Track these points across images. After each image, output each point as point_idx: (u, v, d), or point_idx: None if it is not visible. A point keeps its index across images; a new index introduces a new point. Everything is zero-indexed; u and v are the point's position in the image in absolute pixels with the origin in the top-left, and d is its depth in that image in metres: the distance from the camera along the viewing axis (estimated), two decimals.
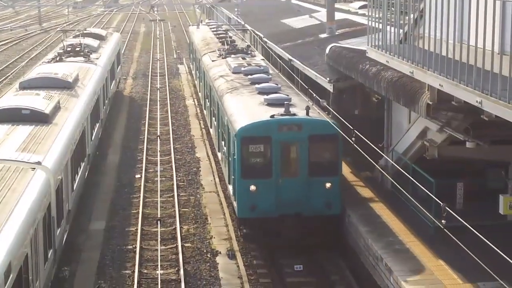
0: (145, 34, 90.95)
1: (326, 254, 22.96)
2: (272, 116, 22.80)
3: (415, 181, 17.09)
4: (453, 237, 13.43)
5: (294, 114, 22.97)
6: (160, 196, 28.87)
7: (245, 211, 22.74)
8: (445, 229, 13.56)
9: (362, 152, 17.76)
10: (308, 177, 22.60)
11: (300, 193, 22.59)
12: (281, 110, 23.14)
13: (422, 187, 15.90)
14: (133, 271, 21.99)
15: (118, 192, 29.73)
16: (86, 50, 40.79)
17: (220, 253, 23.34)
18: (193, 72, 51.76)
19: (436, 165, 22.17)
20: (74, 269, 22.24)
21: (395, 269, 18.93)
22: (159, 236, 24.67)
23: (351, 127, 19.48)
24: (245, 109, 24.51)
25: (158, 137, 37.93)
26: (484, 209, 20.91)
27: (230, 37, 44.29)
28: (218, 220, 26.14)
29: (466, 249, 13.03)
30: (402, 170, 16.92)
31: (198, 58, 43.31)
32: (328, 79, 28.46)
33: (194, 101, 47.78)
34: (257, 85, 26.94)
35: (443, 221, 13.51)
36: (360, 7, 49.36)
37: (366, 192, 25.27)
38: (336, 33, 37.07)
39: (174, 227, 25.56)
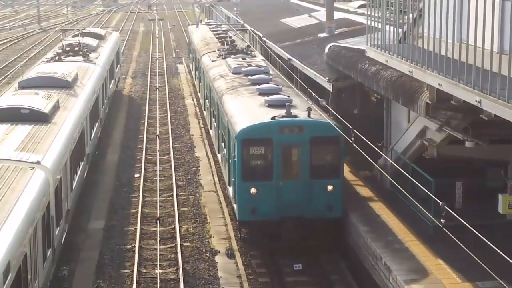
0: (144, 34, 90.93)
1: (325, 254, 22.92)
2: (273, 118, 22.53)
3: (414, 180, 17.08)
4: (452, 236, 13.43)
5: (296, 116, 22.70)
6: (159, 196, 28.86)
7: (246, 214, 22.49)
8: (444, 229, 13.56)
9: (361, 152, 17.76)
10: (309, 179, 22.34)
11: (301, 195, 22.33)
12: (282, 111, 22.85)
13: (422, 187, 15.91)
14: (132, 271, 21.98)
15: (117, 192, 29.72)
16: (85, 49, 40.78)
17: (219, 252, 23.33)
18: (193, 72, 51.66)
19: (435, 165, 22.17)
20: (73, 269, 22.23)
21: (394, 269, 18.93)
22: (158, 236, 24.65)
23: (350, 127, 19.48)
24: (246, 111, 24.26)
25: (157, 137, 37.91)
26: (483, 209, 20.91)
27: (230, 37, 44.02)
28: (217, 220, 26.13)
29: (465, 249, 13.03)
30: (401, 170, 16.92)
31: (198, 58, 43.12)
32: (327, 78, 28.47)
33: (193, 100, 47.77)
34: (257, 86, 26.67)
35: (442, 220, 13.51)
36: (359, 7, 49.43)
37: (365, 192, 25.27)
38: (335, 33, 37.09)
39: (173, 226, 25.55)
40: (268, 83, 27.44)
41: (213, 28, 52.01)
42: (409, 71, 19.04)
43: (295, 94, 25.75)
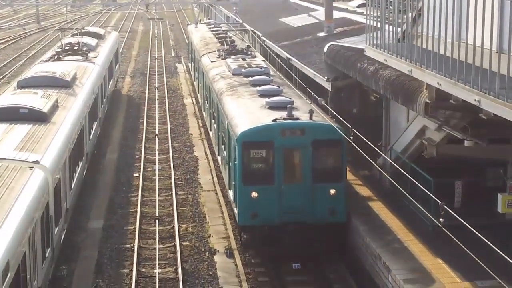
0: (143, 33, 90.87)
1: (325, 254, 22.87)
2: (274, 120, 22.10)
3: (413, 180, 17.08)
4: (451, 235, 13.43)
5: (297, 118, 22.26)
6: (158, 195, 28.86)
7: (246, 219, 22.05)
8: (443, 228, 13.55)
9: (361, 151, 17.75)
10: (311, 183, 21.89)
11: (304, 199, 21.86)
12: (284, 113, 22.41)
13: (421, 186, 15.90)
14: (131, 270, 21.97)
15: (116, 191, 29.71)
16: (84, 49, 40.77)
17: (218, 251, 23.32)
18: (192, 72, 51.48)
19: (435, 164, 22.16)
20: (72, 268, 22.22)
21: (393, 268, 18.93)
22: (157, 235, 24.66)
23: (349, 126, 19.48)
24: (246, 113, 23.82)
25: (156, 136, 37.91)
26: (483, 208, 20.90)
27: (230, 37, 43.67)
28: (216, 219, 26.12)
29: (465, 248, 13.02)
30: (401, 169, 16.92)
31: (197, 59, 42.80)
32: (326, 77, 28.46)
33: (192, 99, 47.74)
34: (258, 88, 26.24)
35: (441, 219, 13.51)
36: (359, 6, 49.41)
37: (364, 191, 25.26)
38: (334, 32, 37.09)
39: (172, 225, 25.54)
40: (269, 84, 27.02)
41: (212, 28, 51.82)
42: (408, 71, 19.04)
43: (297, 96, 25.39)
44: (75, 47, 40.68)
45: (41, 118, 24.32)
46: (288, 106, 22.83)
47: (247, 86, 27.64)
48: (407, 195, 16.80)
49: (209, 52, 38.87)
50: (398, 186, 16.68)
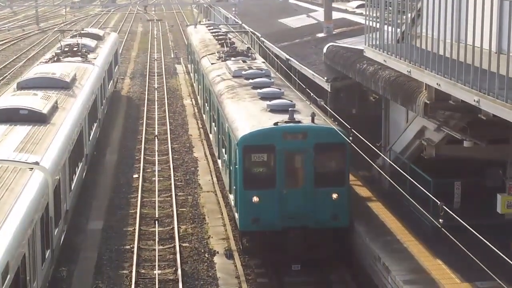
0: (143, 34, 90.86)
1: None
2: (275, 124, 21.70)
3: (413, 180, 17.07)
4: (451, 236, 13.44)
5: (299, 121, 21.86)
6: (158, 196, 28.85)
7: (247, 224, 21.67)
8: (443, 228, 13.58)
9: (360, 152, 17.75)
10: (314, 187, 21.55)
11: (306, 204, 21.52)
12: (285, 116, 21.98)
13: (420, 187, 15.90)
14: (131, 271, 21.97)
15: (116, 192, 29.71)
16: (84, 50, 40.78)
17: (217, 253, 23.32)
18: (192, 74, 51.33)
19: (434, 165, 22.16)
20: (71, 269, 22.22)
21: (392, 269, 18.93)
22: (157, 236, 24.65)
23: (348, 127, 19.48)
24: (247, 116, 23.44)
25: (156, 137, 37.91)
26: (482, 208, 20.90)
27: (230, 38, 43.36)
28: (216, 220, 26.12)
29: (464, 248, 13.03)
30: (400, 170, 16.91)
31: (197, 60, 42.43)
32: (325, 78, 28.46)
33: (191, 100, 47.75)
34: (259, 90, 25.82)
35: (441, 220, 13.55)
36: (358, 6, 49.45)
37: (363, 192, 25.25)
38: (334, 33, 37.12)
39: (171, 227, 25.54)
40: (269, 86, 26.64)
41: (212, 29, 51.61)
42: (407, 71, 19.05)
43: (298, 98, 25.06)
44: (75, 48, 40.69)
45: (40, 119, 24.32)
46: (289, 109, 22.41)
47: (248, 89, 27.34)
48: (407, 195, 16.81)
49: (209, 54, 38.62)
50: (398, 187, 16.68)
